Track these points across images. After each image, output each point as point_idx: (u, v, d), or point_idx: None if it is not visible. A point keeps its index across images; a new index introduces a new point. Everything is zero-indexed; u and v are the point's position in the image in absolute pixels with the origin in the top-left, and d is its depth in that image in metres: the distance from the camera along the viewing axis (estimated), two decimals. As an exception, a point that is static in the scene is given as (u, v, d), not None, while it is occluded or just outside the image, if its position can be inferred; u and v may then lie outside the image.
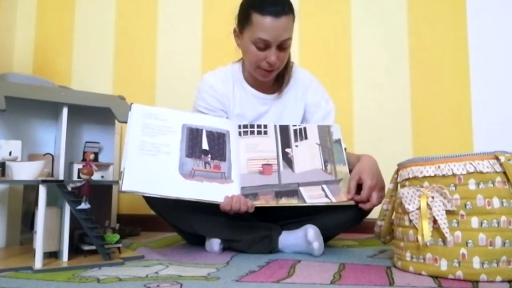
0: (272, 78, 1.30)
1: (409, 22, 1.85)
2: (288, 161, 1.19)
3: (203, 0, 1.99)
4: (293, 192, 1.13)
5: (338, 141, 1.23)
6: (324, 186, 1.15)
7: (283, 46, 1.21)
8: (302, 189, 1.14)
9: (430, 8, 1.83)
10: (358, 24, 1.88)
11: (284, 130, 1.24)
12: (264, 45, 1.19)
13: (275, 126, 1.25)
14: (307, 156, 1.20)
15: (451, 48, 1.80)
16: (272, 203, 1.12)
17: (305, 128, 1.25)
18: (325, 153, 1.21)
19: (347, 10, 1.89)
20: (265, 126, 1.24)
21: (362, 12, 1.88)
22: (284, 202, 1.12)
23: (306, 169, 1.18)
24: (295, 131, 1.24)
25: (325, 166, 1.18)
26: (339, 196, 1.13)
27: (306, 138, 1.22)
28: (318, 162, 1.19)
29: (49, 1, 2.11)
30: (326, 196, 1.13)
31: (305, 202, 1.12)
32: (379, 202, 1.14)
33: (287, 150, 1.20)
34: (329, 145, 1.21)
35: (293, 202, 1.12)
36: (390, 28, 1.86)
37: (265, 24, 1.17)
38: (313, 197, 1.13)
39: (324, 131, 1.24)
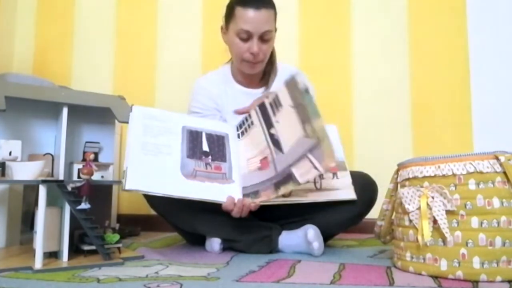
0: (258, 71, 1.36)
1: (409, 22, 1.84)
2: (276, 143, 1.16)
3: (203, 0, 1.99)
4: (288, 177, 1.10)
5: (307, 90, 1.13)
6: (310, 156, 1.09)
7: (264, 38, 1.28)
8: (293, 170, 1.10)
9: (430, 8, 1.83)
10: (358, 25, 1.88)
11: (263, 109, 1.21)
12: (247, 36, 1.27)
13: (255, 110, 1.22)
14: (288, 128, 1.15)
15: (451, 48, 1.80)
16: (273, 196, 1.11)
17: (277, 95, 1.18)
18: (300, 113, 1.13)
19: (347, 10, 1.89)
20: (250, 116, 1.23)
21: (362, 13, 1.88)
22: (283, 190, 1.10)
23: (291, 144, 1.13)
24: (270, 104, 1.20)
25: (305, 129, 1.11)
26: (324, 162, 1.06)
27: (280, 104, 1.17)
28: (298, 129, 1.12)
29: (49, 1, 2.10)
30: (314, 167, 1.09)
31: (298, 183, 1.08)
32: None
33: (272, 131, 1.18)
34: (300, 100, 1.13)
35: (289, 187, 1.09)
36: (390, 28, 1.86)
37: (246, 16, 1.25)
38: (303, 174, 1.09)
39: (292, 86, 1.15)
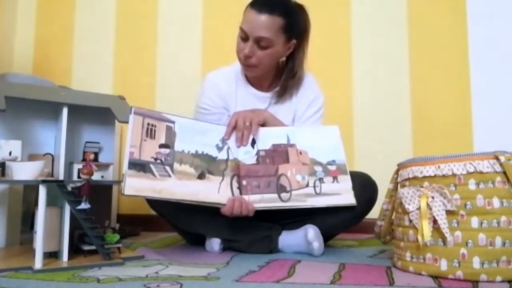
0: (255, 75, 1.33)
1: (409, 22, 1.84)
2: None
3: (203, 0, 1.99)
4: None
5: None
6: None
7: (261, 44, 1.22)
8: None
9: (430, 8, 1.83)
10: (358, 25, 1.88)
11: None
12: (244, 36, 1.23)
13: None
14: None
15: (451, 48, 1.80)
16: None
17: None
18: None
19: (347, 11, 1.89)
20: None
21: (362, 13, 1.88)
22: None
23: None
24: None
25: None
26: None
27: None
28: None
29: (49, 1, 2.10)
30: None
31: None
32: (238, 123, 1.21)
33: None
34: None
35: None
36: (390, 29, 1.86)
37: (247, 16, 1.22)
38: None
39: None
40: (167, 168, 1.09)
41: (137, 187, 1.02)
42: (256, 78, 1.35)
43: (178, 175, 1.09)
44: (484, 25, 1.77)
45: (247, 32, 1.22)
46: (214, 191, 1.11)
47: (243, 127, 1.21)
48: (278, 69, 1.37)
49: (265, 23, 1.20)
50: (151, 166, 1.07)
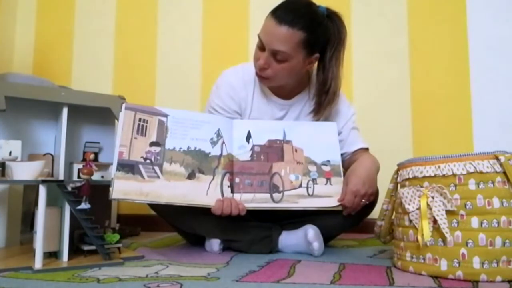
0: (268, 85, 1.26)
1: (409, 22, 1.84)
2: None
3: (203, 0, 1.99)
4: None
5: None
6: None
7: (277, 57, 1.14)
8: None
9: (430, 8, 1.83)
10: (358, 24, 1.88)
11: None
12: (261, 45, 1.16)
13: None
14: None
15: (451, 48, 1.80)
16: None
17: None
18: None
19: (347, 10, 1.89)
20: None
21: (362, 12, 1.88)
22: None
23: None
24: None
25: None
26: None
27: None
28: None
29: (49, 1, 2.10)
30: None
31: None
32: (357, 207, 1.13)
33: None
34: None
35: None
36: (390, 28, 1.86)
37: (266, 24, 1.15)
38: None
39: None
40: (156, 168, 1.07)
41: (124, 190, 1.01)
42: (274, 86, 1.27)
43: (167, 176, 1.07)
44: (484, 24, 1.77)
45: (264, 42, 1.14)
46: (203, 193, 1.09)
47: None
48: (302, 77, 1.28)
49: (284, 36, 1.11)
50: (140, 166, 1.06)
